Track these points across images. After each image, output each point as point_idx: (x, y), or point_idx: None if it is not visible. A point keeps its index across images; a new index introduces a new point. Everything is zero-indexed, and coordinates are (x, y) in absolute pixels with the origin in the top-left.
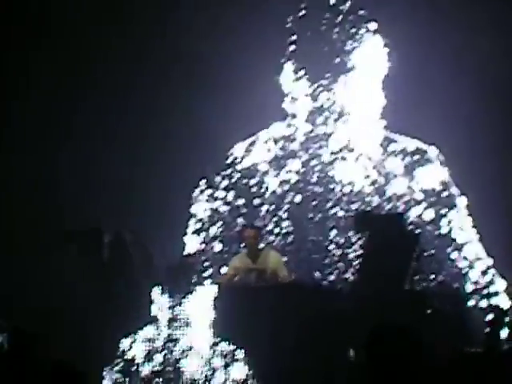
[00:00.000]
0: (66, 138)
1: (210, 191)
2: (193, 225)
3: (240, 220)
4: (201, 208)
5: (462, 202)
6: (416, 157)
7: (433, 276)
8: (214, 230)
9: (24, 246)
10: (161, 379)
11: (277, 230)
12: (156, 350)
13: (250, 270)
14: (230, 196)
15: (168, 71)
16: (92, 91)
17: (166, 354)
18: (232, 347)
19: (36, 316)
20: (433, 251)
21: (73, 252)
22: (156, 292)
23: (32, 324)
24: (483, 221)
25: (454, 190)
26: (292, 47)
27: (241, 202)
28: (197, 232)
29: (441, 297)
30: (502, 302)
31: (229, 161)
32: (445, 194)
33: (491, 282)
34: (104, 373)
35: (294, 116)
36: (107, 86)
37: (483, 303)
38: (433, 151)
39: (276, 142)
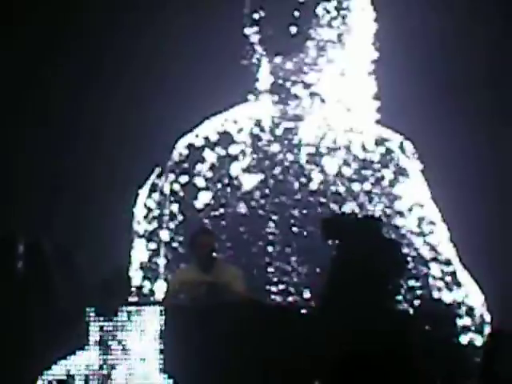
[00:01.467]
0: None
1: (156, 193)
2: (137, 230)
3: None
4: (145, 210)
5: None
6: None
7: (416, 292)
8: (162, 236)
9: None
10: None
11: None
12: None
13: (201, 283)
14: (180, 196)
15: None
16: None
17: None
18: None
19: None
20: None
21: None
22: (90, 315)
23: None
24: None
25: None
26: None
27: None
28: (142, 238)
29: (428, 317)
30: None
31: (184, 152)
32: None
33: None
34: None
35: (257, 97)
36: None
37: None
38: (408, 145)
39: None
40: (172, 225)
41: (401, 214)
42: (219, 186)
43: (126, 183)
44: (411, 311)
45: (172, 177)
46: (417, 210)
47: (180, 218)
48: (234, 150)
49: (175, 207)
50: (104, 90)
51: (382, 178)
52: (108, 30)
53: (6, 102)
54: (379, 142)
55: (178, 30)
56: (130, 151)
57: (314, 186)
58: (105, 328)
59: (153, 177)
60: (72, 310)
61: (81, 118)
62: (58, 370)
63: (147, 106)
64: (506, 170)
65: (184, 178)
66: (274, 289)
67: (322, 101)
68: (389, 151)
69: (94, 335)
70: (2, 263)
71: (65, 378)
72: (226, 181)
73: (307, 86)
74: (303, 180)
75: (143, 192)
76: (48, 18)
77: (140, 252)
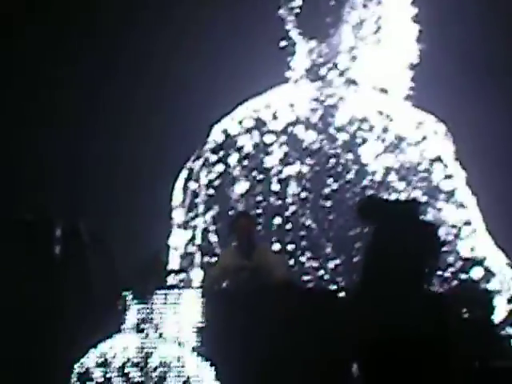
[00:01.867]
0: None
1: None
2: (176, 216)
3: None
4: (181, 198)
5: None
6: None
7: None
8: (201, 221)
9: None
10: None
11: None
12: (130, 361)
13: (243, 267)
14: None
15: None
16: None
17: (142, 367)
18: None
19: None
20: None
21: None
22: (128, 298)
23: None
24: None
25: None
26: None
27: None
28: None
29: (465, 300)
30: None
31: (220, 139)
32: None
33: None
34: None
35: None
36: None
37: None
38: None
39: (275, 115)
40: (208, 213)
41: (437, 198)
42: (254, 174)
43: (162, 170)
44: (446, 294)
45: (207, 165)
46: (451, 195)
47: (216, 206)
48: (269, 138)
49: (211, 195)
50: (137, 75)
51: (418, 164)
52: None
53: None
54: (415, 127)
55: (213, 12)
56: (167, 138)
57: (350, 175)
58: (142, 312)
59: (189, 164)
60: (108, 294)
61: (120, 105)
62: (95, 354)
63: (184, 91)
64: None
65: (220, 167)
66: (309, 277)
67: (357, 85)
68: (424, 138)
69: (131, 319)
70: (40, 246)
71: (102, 361)
72: (262, 170)
73: (342, 71)
74: (339, 169)
75: (180, 180)
76: (69, 18)
77: (177, 238)
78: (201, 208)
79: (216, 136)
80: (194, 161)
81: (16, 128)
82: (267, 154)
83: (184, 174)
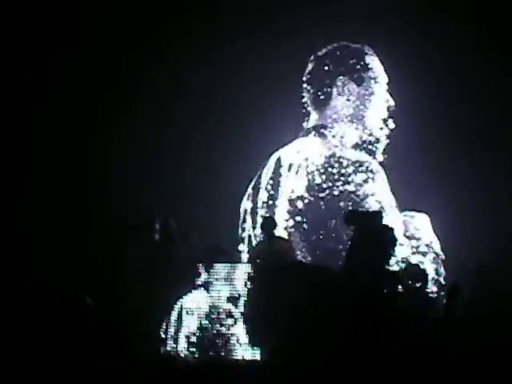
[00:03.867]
0: (115, 126)
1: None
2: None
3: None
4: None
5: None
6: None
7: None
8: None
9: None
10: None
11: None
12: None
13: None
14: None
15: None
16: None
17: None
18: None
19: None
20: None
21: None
22: (200, 268)
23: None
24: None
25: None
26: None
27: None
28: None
29: (410, 276)
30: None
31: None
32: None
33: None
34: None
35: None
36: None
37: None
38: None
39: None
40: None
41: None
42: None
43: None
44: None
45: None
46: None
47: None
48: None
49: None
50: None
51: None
52: None
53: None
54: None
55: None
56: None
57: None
58: (208, 277)
59: (252, 184)
60: (187, 266)
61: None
62: (179, 304)
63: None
64: None
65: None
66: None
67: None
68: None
69: (201, 281)
70: (147, 235)
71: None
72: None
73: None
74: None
75: (247, 194)
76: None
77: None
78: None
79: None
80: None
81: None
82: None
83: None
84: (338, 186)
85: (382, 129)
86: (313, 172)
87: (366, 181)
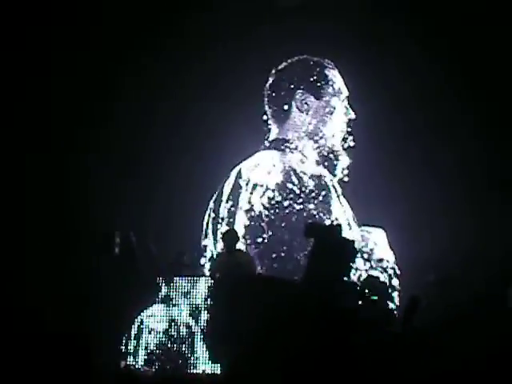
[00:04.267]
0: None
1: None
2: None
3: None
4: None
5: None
6: None
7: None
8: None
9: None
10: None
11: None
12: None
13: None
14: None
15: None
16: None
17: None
18: None
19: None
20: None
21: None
22: (160, 282)
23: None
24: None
25: None
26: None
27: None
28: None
29: (372, 286)
30: None
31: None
32: None
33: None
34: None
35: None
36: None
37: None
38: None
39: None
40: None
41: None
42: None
43: (196, 195)
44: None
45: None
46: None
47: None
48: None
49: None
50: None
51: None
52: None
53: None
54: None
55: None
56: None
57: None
58: (168, 291)
59: (213, 198)
60: (149, 279)
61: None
62: (139, 318)
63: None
64: None
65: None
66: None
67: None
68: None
69: (162, 295)
70: (106, 249)
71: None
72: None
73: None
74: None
75: (209, 207)
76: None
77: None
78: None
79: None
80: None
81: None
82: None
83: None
84: (297, 203)
85: (342, 144)
86: (272, 188)
87: (325, 196)
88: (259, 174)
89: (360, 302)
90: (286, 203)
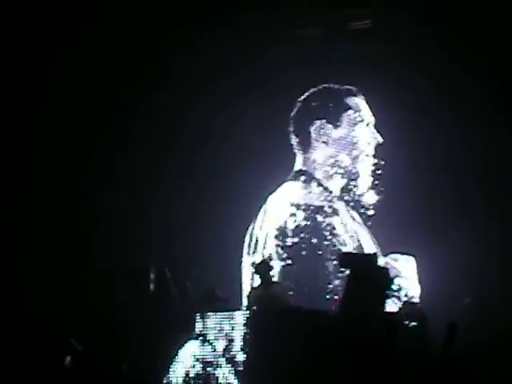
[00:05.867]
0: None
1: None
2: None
3: None
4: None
5: None
6: None
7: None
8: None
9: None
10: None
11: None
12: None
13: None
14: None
15: None
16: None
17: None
18: None
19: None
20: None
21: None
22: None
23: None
24: None
25: None
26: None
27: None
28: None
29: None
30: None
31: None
32: None
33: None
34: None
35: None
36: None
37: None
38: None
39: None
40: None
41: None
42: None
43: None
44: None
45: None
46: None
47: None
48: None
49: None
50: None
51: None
52: None
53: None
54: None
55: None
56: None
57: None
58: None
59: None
60: (185, 315)
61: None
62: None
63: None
64: None
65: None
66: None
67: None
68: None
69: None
70: (141, 286)
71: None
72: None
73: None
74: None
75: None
76: None
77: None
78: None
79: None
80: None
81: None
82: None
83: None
84: (321, 240)
85: (369, 175)
86: (296, 224)
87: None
88: (284, 205)
89: (396, 332)
90: (309, 239)
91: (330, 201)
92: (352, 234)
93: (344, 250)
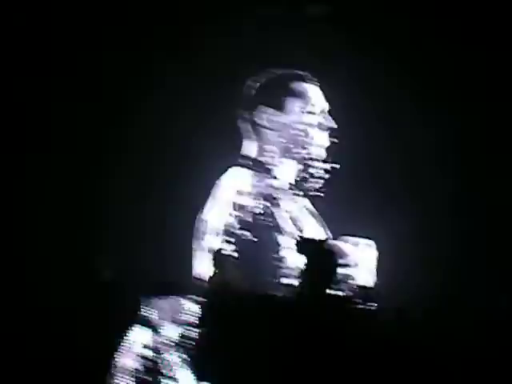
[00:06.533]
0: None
1: None
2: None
3: None
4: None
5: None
6: None
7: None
8: None
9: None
10: None
11: None
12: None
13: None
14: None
15: None
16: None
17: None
18: None
19: None
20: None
21: None
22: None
23: None
24: None
25: None
26: None
27: None
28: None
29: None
30: None
31: None
32: None
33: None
34: None
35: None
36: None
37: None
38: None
39: None
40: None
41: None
42: None
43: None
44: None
45: None
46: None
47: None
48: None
49: None
50: None
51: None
52: None
53: None
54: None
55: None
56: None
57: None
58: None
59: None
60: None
61: None
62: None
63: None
64: None
65: None
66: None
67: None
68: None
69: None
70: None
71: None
72: None
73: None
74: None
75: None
76: None
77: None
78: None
79: None
80: None
81: None
82: None
83: None
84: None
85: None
86: (243, 211)
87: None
88: (230, 192)
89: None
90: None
91: (276, 188)
92: (299, 221)
93: (290, 238)
